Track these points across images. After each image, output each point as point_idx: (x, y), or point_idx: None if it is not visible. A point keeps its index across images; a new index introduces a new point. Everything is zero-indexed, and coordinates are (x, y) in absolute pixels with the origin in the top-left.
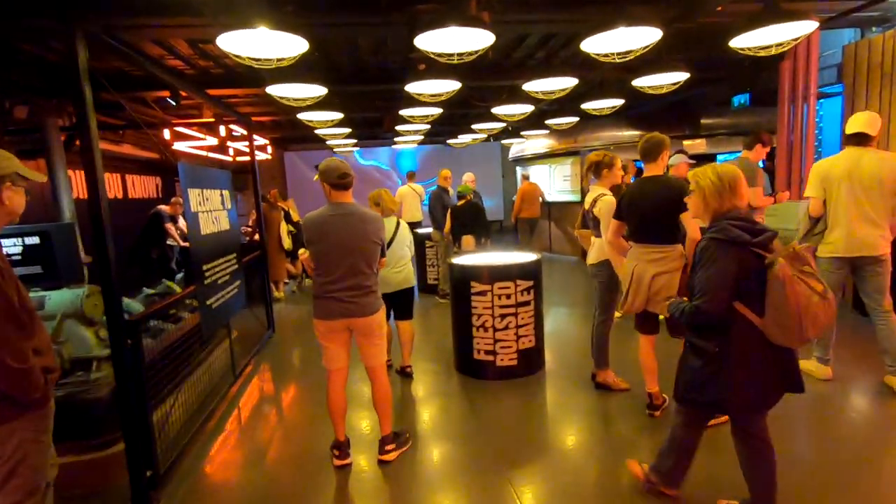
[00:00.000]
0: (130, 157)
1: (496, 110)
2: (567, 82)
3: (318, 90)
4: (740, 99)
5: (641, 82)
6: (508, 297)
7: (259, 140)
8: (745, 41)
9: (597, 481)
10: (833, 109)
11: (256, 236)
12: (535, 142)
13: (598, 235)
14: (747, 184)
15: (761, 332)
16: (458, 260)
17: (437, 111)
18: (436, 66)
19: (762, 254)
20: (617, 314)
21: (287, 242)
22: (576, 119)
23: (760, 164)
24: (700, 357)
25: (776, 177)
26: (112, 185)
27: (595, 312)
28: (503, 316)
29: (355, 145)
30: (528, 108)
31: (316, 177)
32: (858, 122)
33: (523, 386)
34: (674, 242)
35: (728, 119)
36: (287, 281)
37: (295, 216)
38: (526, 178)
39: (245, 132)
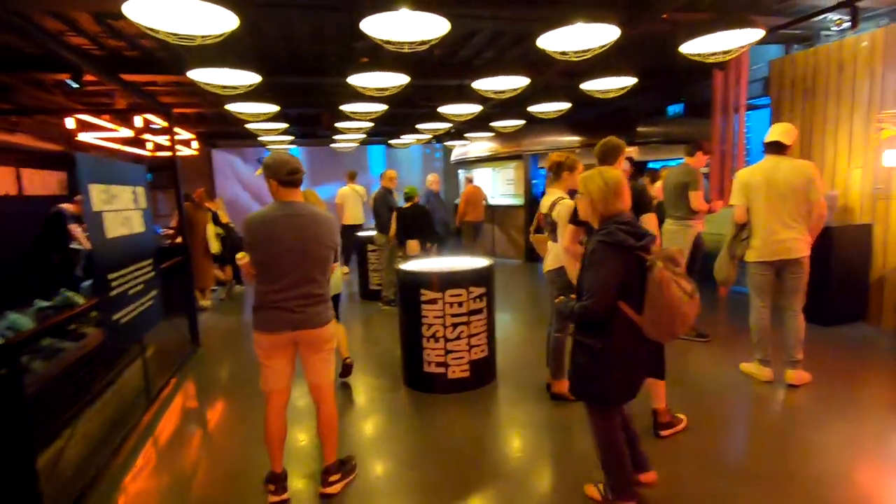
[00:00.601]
0: (27, 148)
1: (443, 109)
2: (518, 81)
3: (249, 78)
4: (675, 108)
5: (590, 86)
6: (460, 304)
7: (183, 134)
8: (695, 47)
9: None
10: (759, 121)
11: (180, 239)
12: (478, 144)
13: (556, 240)
14: (690, 188)
15: (639, 329)
16: (407, 266)
17: (382, 108)
18: (381, 58)
19: (643, 256)
20: None
21: (215, 246)
22: (521, 122)
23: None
24: (586, 354)
25: (709, 185)
26: (3, 180)
27: (552, 320)
28: (455, 325)
29: (292, 143)
30: (475, 109)
31: (259, 171)
32: (775, 132)
33: (476, 399)
34: None
35: (662, 128)
36: (215, 288)
37: (223, 217)
38: (470, 180)
39: (165, 124)
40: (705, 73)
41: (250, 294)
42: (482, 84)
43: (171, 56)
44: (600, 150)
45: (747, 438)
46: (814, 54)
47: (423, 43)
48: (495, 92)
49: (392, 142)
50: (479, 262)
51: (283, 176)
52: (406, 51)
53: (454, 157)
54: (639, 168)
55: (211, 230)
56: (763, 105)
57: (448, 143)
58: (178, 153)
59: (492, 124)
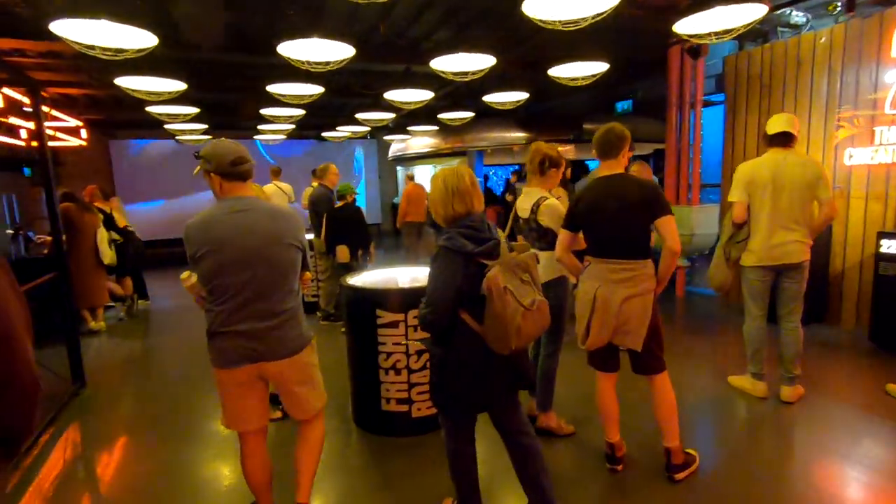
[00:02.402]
0: None
1: (390, 95)
2: (482, 61)
3: (144, 40)
4: (623, 105)
5: (558, 72)
6: None
7: (68, 121)
8: (693, 26)
9: None
10: (713, 118)
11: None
12: (418, 140)
13: (543, 248)
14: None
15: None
16: (357, 280)
17: (317, 90)
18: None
19: (484, 262)
20: (581, 346)
21: (107, 255)
22: (470, 115)
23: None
24: (432, 361)
25: (665, 183)
26: None
27: (542, 342)
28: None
29: (205, 133)
30: (426, 95)
31: (198, 168)
32: (781, 123)
33: None
34: (646, 256)
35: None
36: (113, 304)
37: (121, 220)
38: (411, 178)
39: (29, 101)
40: (656, 67)
41: (160, 311)
42: (441, 64)
43: (37, 16)
44: (601, 140)
45: (770, 476)
46: (769, 50)
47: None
48: (455, 74)
49: (326, 135)
50: None
51: (226, 167)
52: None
53: (392, 153)
54: (578, 168)
55: (103, 236)
56: (717, 102)
57: (388, 138)
58: (51, 142)
59: (440, 116)
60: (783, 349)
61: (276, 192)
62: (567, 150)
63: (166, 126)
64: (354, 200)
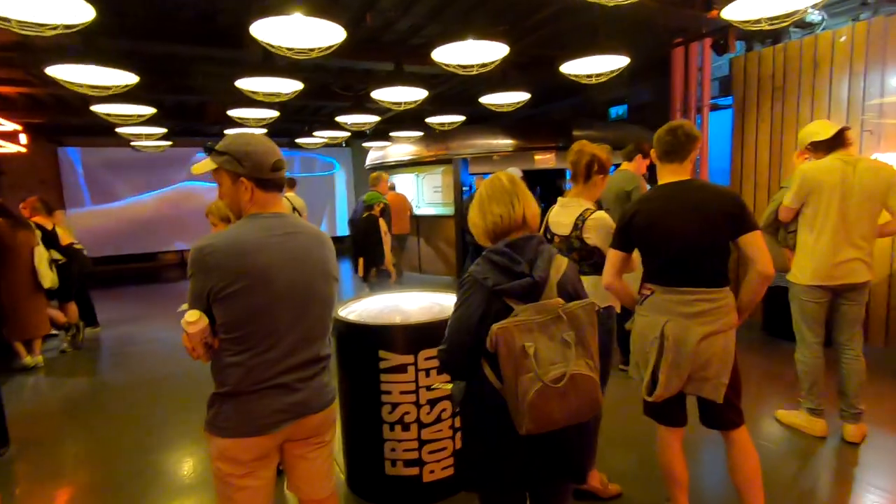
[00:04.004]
0: None
1: (379, 94)
2: (499, 50)
3: (79, 14)
4: (617, 111)
5: (571, 68)
6: (440, 371)
7: (4, 124)
8: (739, 11)
9: None
10: (718, 122)
11: None
12: (398, 147)
13: (589, 272)
14: (634, 195)
15: None
16: (348, 311)
17: (295, 87)
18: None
19: (510, 304)
20: (647, 398)
21: (49, 278)
22: (462, 119)
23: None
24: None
25: None
26: None
27: None
28: (433, 402)
29: (164, 138)
30: (420, 94)
31: (209, 164)
32: (828, 125)
33: None
34: (725, 284)
35: (599, 132)
36: (55, 332)
37: (65, 237)
38: (392, 188)
39: None
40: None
41: (112, 340)
42: (445, 55)
43: None
44: (666, 141)
45: None
46: (782, 51)
47: None
48: (462, 66)
49: (300, 141)
50: (453, 299)
51: (267, 172)
52: None
53: (369, 161)
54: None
55: (41, 256)
56: (723, 106)
57: (367, 144)
58: None
59: (428, 120)
60: (845, 381)
61: (289, 209)
62: (548, 159)
63: (119, 130)
64: (383, 211)
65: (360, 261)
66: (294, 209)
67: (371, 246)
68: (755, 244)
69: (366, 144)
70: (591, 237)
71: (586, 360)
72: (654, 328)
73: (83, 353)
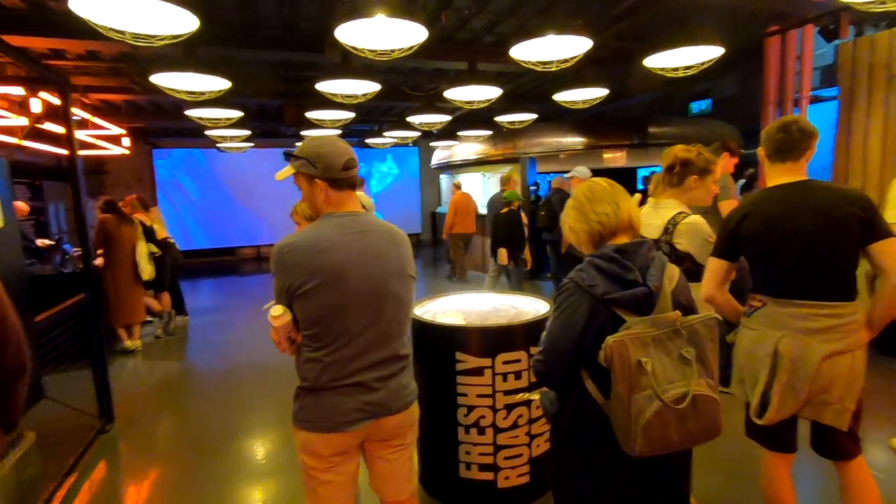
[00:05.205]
0: None
1: (450, 93)
2: (581, 45)
3: (185, 24)
4: (700, 105)
5: (656, 61)
6: (518, 375)
7: (111, 129)
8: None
9: None
10: (820, 116)
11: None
12: (464, 146)
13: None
14: (721, 196)
15: None
16: (423, 311)
17: (372, 88)
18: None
19: (621, 315)
20: (757, 421)
21: (147, 271)
22: (534, 117)
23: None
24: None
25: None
26: None
27: None
28: (510, 407)
29: (247, 140)
30: (494, 92)
31: (290, 170)
32: None
33: None
34: (850, 297)
35: (677, 128)
36: (150, 319)
37: (161, 232)
38: (457, 187)
39: (59, 102)
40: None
41: (199, 328)
42: (524, 52)
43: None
44: (777, 139)
45: None
46: None
47: None
48: (541, 63)
49: (370, 140)
50: (535, 303)
51: (338, 172)
52: None
53: (435, 160)
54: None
55: (142, 250)
56: (826, 98)
57: (434, 144)
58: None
59: (497, 119)
60: None
61: (358, 207)
62: (618, 157)
63: (207, 133)
64: (520, 207)
65: (502, 251)
66: (362, 207)
67: (515, 238)
68: (889, 252)
69: (433, 144)
70: (683, 243)
71: (707, 380)
72: (765, 343)
73: (175, 340)
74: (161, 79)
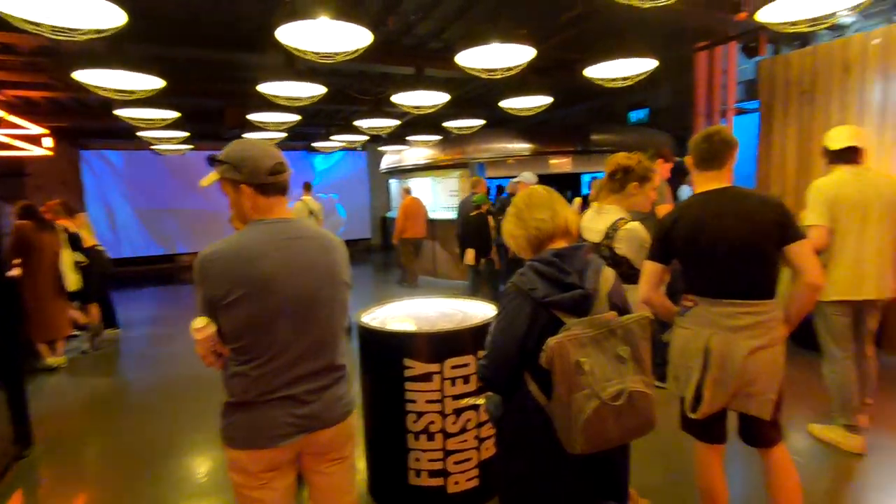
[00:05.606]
0: None
1: (398, 98)
2: (525, 53)
3: (111, 19)
4: (637, 115)
5: (595, 72)
6: (466, 380)
7: (31, 128)
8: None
9: None
10: (743, 127)
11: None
12: (413, 151)
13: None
14: (657, 202)
15: None
16: (371, 318)
17: (317, 91)
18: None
19: (560, 317)
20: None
21: (72, 280)
22: (481, 122)
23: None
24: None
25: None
26: None
27: None
28: (459, 411)
29: (186, 142)
30: (441, 98)
31: (212, 178)
32: (845, 135)
33: None
34: (771, 295)
35: (617, 136)
36: (76, 333)
37: (88, 239)
38: (407, 192)
39: None
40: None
41: (131, 341)
42: (467, 60)
43: None
44: (702, 148)
45: None
46: (812, 54)
47: None
48: (486, 70)
49: (316, 145)
50: (483, 307)
51: (264, 177)
52: None
53: (385, 165)
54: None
55: (66, 259)
56: (751, 109)
57: (383, 148)
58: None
59: (446, 124)
60: (859, 382)
61: (304, 209)
62: (564, 163)
63: (141, 134)
64: (488, 210)
65: (470, 252)
66: (311, 212)
67: (483, 239)
68: (804, 254)
69: (382, 148)
70: (622, 247)
71: (642, 377)
72: (697, 341)
73: (103, 355)
74: (85, 76)
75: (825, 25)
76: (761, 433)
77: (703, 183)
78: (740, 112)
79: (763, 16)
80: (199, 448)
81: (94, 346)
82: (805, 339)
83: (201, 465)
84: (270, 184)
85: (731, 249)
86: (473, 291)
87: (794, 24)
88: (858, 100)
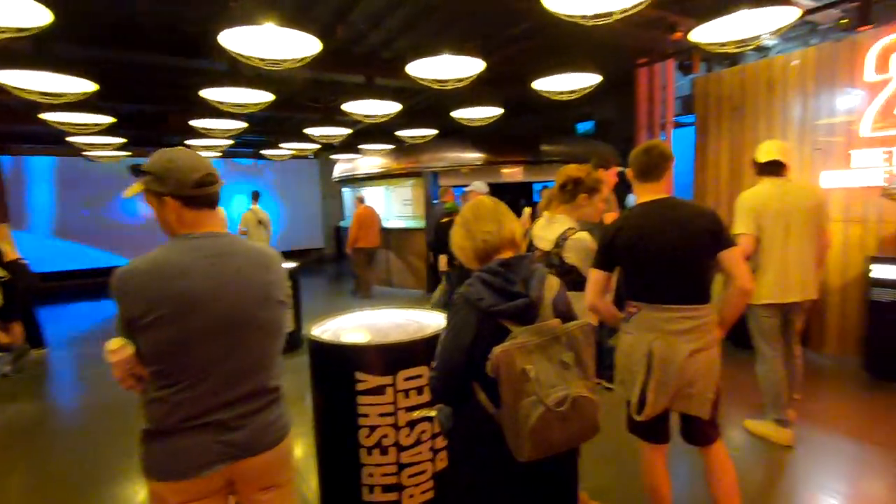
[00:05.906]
0: None
1: (349, 107)
2: (475, 66)
3: (35, 17)
4: (585, 126)
5: (543, 85)
6: (420, 391)
7: None
8: (707, 34)
9: None
10: (681, 140)
11: None
12: (367, 160)
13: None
14: (607, 209)
15: None
16: (322, 330)
17: (264, 98)
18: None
19: (506, 326)
20: (636, 417)
21: None
22: (434, 132)
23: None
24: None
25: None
26: None
27: None
28: (413, 423)
29: (122, 148)
30: (393, 108)
31: (134, 189)
32: (772, 150)
33: None
34: (707, 300)
35: (566, 147)
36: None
37: (9, 253)
38: (361, 201)
39: None
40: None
41: (59, 361)
42: (420, 69)
43: None
44: (641, 161)
45: None
46: (740, 73)
47: None
48: (436, 81)
49: (265, 152)
50: (437, 317)
51: (190, 189)
52: None
53: (338, 173)
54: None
55: None
56: (686, 123)
57: (335, 157)
58: None
59: (399, 133)
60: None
61: (252, 219)
62: (516, 173)
63: (71, 139)
64: None
65: (442, 257)
66: (259, 222)
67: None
68: (734, 260)
69: (333, 157)
70: (570, 256)
71: (585, 382)
72: (641, 346)
73: (28, 377)
74: (6, 76)
75: (751, 47)
76: (701, 432)
77: (643, 194)
78: (679, 125)
79: (695, 36)
80: (134, 475)
81: (15, 367)
82: (741, 339)
83: (138, 493)
84: (197, 196)
85: (670, 257)
86: (446, 302)
87: (722, 44)
88: (782, 115)
